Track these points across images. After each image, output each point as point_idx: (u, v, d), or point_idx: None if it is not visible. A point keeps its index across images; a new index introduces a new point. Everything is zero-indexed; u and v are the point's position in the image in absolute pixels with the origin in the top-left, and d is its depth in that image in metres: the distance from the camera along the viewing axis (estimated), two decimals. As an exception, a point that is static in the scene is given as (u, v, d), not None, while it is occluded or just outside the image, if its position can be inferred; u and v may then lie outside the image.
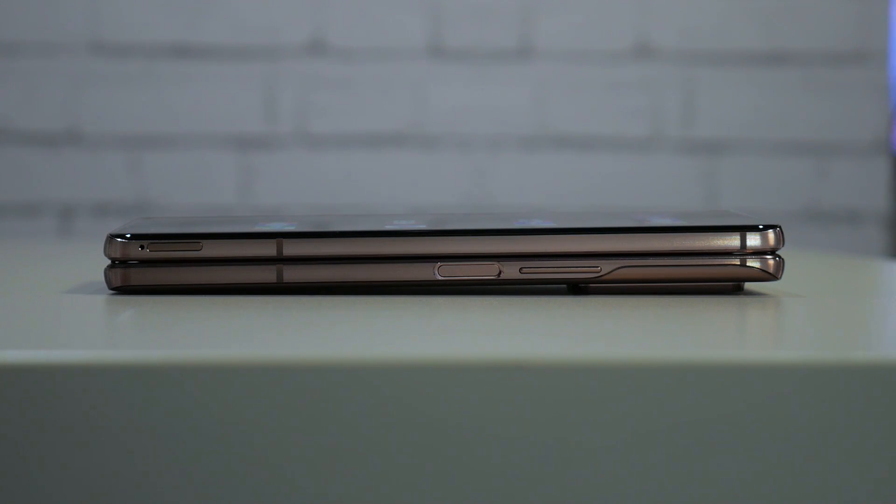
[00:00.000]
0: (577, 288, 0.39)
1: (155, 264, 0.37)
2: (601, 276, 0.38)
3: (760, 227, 0.38)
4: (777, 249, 0.38)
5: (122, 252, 0.37)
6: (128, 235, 0.37)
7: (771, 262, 0.38)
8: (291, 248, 0.37)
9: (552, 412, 0.24)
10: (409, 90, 1.49)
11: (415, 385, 0.24)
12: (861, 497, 0.24)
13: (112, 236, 0.37)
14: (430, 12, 1.53)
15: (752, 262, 0.38)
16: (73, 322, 0.29)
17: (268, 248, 0.37)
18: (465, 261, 0.38)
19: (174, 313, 0.32)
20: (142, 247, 0.37)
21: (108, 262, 0.38)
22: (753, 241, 0.38)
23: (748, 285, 0.41)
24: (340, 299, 0.36)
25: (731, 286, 0.38)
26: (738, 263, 0.38)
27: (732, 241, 0.38)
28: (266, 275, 0.37)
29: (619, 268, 0.38)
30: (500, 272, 0.38)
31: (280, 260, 0.37)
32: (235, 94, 1.48)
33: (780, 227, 0.38)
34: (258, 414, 0.24)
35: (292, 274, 0.37)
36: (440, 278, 0.37)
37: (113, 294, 0.37)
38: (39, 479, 0.24)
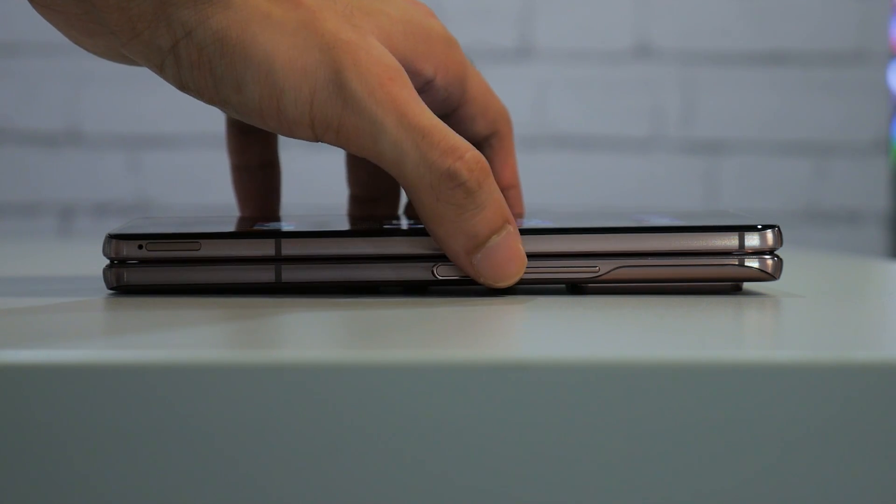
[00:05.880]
0: (576, 288, 0.39)
1: (154, 264, 0.37)
2: (599, 276, 0.38)
3: (759, 227, 0.38)
4: (775, 249, 0.38)
5: (121, 252, 0.37)
6: (127, 235, 0.37)
7: (769, 262, 0.38)
8: (290, 248, 0.37)
9: (552, 412, 0.24)
10: (409, 90, 1.48)
11: (414, 385, 0.24)
12: (861, 497, 0.24)
13: (111, 236, 0.37)
14: (429, 12, 1.53)
15: (751, 262, 0.38)
16: (72, 322, 0.29)
17: (266, 248, 0.37)
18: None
19: (173, 313, 0.32)
20: (140, 246, 0.37)
21: (108, 261, 0.38)
22: (752, 241, 0.38)
23: (747, 285, 0.41)
24: (340, 299, 0.36)
25: (730, 286, 0.38)
26: (737, 263, 0.38)
27: (731, 241, 0.38)
28: (265, 274, 0.37)
29: (617, 268, 0.38)
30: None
31: (279, 259, 0.37)
32: (235, 94, 1.47)
33: (778, 227, 0.38)
34: (258, 414, 0.24)
35: (291, 274, 0.37)
36: (439, 278, 0.37)
37: (112, 294, 0.37)
38: (39, 480, 0.24)
